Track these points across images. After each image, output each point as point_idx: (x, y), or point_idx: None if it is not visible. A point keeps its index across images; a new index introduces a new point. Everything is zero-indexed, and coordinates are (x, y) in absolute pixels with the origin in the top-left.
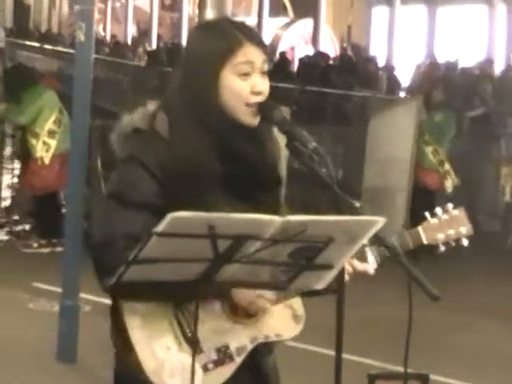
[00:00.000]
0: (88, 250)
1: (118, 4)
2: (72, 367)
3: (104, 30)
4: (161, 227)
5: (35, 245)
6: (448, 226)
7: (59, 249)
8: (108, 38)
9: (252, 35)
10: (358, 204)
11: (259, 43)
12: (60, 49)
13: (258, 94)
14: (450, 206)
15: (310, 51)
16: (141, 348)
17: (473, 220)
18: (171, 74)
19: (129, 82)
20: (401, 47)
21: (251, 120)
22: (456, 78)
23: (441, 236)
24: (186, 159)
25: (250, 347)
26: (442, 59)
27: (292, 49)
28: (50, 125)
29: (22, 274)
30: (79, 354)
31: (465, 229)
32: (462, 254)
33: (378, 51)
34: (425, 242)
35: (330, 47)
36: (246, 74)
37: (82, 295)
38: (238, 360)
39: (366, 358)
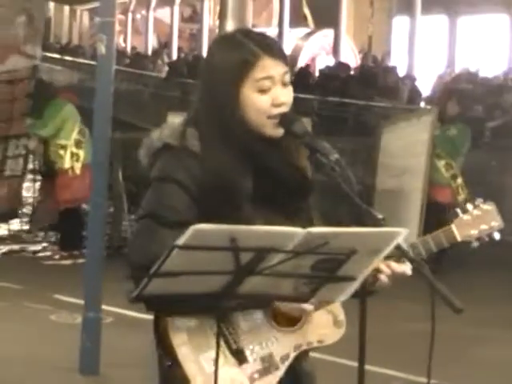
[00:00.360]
0: (130, 273)
1: (138, 16)
2: (95, 379)
3: (125, 41)
4: (182, 240)
5: (57, 257)
6: (480, 220)
7: (81, 261)
8: (128, 49)
9: (270, 47)
10: (380, 216)
11: (278, 55)
12: (81, 60)
13: (279, 105)
14: (480, 200)
15: (331, 62)
16: (188, 364)
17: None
18: (194, 87)
19: (149, 93)
20: (422, 57)
21: (275, 131)
22: (477, 88)
23: (474, 232)
24: (217, 175)
25: (293, 355)
26: (462, 69)
27: (313, 59)
28: (75, 135)
29: (43, 287)
30: (102, 366)
31: (495, 222)
32: (485, 265)
33: (398, 61)
34: (459, 239)
35: (351, 58)
36: (266, 89)
37: (104, 307)
38: (283, 368)
39: (388, 369)
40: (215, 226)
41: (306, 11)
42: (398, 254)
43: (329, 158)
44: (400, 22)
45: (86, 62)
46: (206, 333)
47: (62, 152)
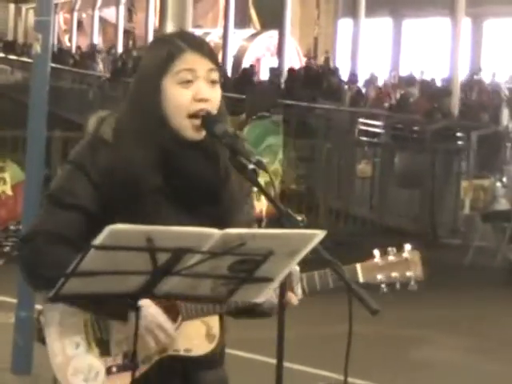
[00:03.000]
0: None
1: (83, 15)
2: (27, 379)
3: (70, 40)
4: (99, 240)
5: None
6: (393, 268)
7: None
8: (74, 49)
9: (195, 43)
10: (299, 217)
11: (204, 52)
12: (25, 59)
13: (201, 101)
14: (407, 247)
15: (275, 63)
16: (52, 342)
17: (433, 233)
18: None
19: (94, 92)
20: (366, 60)
21: (194, 134)
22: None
23: (381, 277)
24: (124, 165)
25: (156, 358)
26: (404, 72)
27: (258, 60)
28: None
29: None
30: (34, 366)
31: (412, 273)
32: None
33: (343, 64)
34: (361, 280)
35: (295, 59)
36: (187, 82)
37: (39, 307)
38: (143, 368)
39: (316, 368)
40: (131, 226)
41: (252, 12)
42: (315, 257)
43: (250, 159)
44: (345, 25)
45: (30, 60)
46: (78, 317)
47: None
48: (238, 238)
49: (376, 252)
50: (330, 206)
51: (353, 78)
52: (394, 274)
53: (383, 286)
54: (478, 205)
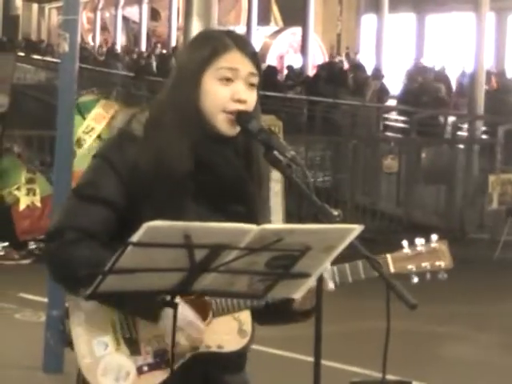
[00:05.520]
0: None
1: (107, 14)
2: (58, 377)
3: (93, 39)
4: (136, 237)
5: (16, 256)
6: (422, 258)
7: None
8: (96, 47)
9: (242, 44)
10: (335, 212)
11: (248, 53)
12: (48, 59)
13: (238, 101)
14: (433, 237)
15: (299, 60)
16: (79, 343)
17: (461, 229)
18: (162, 85)
19: (118, 91)
20: (390, 55)
21: (228, 129)
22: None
23: (411, 267)
24: (154, 156)
25: (188, 355)
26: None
27: (281, 57)
28: (24, 175)
29: (7, 286)
30: (65, 365)
31: (443, 263)
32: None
33: (367, 59)
34: (392, 270)
35: (319, 55)
36: (227, 80)
37: None
38: (174, 366)
39: (350, 365)
40: (169, 222)
41: (275, 9)
42: (352, 252)
43: (285, 154)
44: (368, 20)
45: (53, 60)
46: (104, 317)
47: (16, 192)
48: (276, 233)
49: (404, 243)
50: (356, 202)
51: (377, 73)
52: (424, 264)
53: (413, 276)
54: (505, 199)
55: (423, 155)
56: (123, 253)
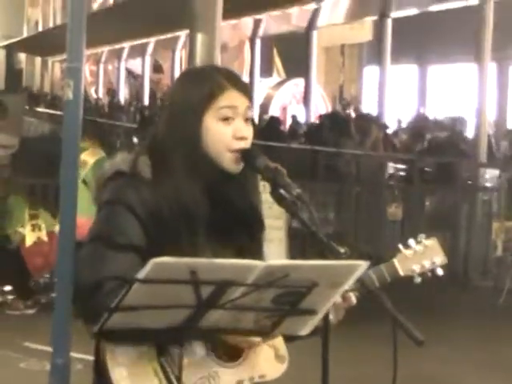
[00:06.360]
0: (75, 295)
1: (110, 67)
2: None
3: (96, 92)
4: (143, 273)
5: (22, 306)
6: (422, 256)
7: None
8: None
9: (236, 81)
10: (342, 250)
11: (243, 89)
12: (52, 111)
13: (240, 139)
14: (422, 236)
15: (302, 110)
16: None
17: (465, 276)
18: (156, 121)
19: (121, 142)
20: (392, 106)
21: (234, 167)
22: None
23: (416, 267)
24: (170, 199)
25: None
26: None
27: (284, 108)
28: (28, 212)
29: (12, 335)
30: None
31: (439, 258)
32: (454, 309)
33: (369, 110)
34: (401, 273)
35: (322, 106)
36: (228, 119)
37: (74, 354)
38: None
39: None
40: (175, 258)
41: (277, 61)
42: (358, 287)
43: (291, 192)
44: (370, 71)
45: (57, 112)
46: (145, 367)
47: (20, 230)
48: (282, 269)
49: (400, 246)
50: (359, 249)
51: (379, 122)
52: (425, 262)
53: (417, 276)
54: (510, 246)
55: (427, 203)
56: (130, 289)
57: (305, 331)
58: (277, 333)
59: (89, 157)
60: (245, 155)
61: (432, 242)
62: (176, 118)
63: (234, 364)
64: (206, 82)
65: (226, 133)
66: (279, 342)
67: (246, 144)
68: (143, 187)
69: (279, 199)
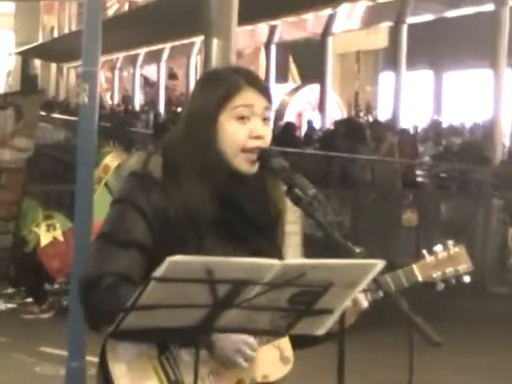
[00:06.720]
0: (78, 291)
1: (125, 73)
2: None
3: (112, 99)
4: (159, 272)
5: (37, 310)
6: (446, 263)
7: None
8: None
9: (253, 80)
10: (358, 250)
11: (260, 89)
12: (67, 117)
13: (256, 138)
14: (450, 242)
15: (317, 117)
16: None
17: (481, 282)
18: (173, 126)
19: (137, 148)
20: (407, 112)
21: (248, 167)
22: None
23: (437, 274)
24: (180, 201)
25: None
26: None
27: (299, 115)
28: (43, 213)
29: (27, 339)
30: None
31: (464, 266)
32: (469, 316)
33: (385, 117)
34: (420, 279)
35: (337, 112)
36: (244, 118)
37: (89, 358)
38: None
39: None
40: (191, 257)
41: (292, 67)
42: (375, 287)
43: (306, 192)
44: (386, 78)
45: (72, 118)
46: (145, 364)
47: (35, 229)
48: (298, 268)
49: (425, 252)
50: (374, 255)
51: (395, 128)
52: (449, 270)
53: (439, 282)
54: None
55: (442, 208)
56: (146, 288)
57: (320, 331)
58: (292, 333)
59: (112, 161)
60: (260, 155)
61: (459, 250)
62: (192, 119)
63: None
64: (223, 82)
65: (241, 132)
66: (285, 343)
67: (262, 143)
68: (152, 187)
69: (295, 200)
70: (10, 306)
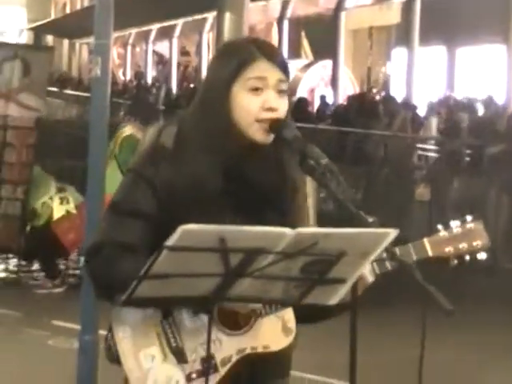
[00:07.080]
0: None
1: (137, 49)
2: None
3: (124, 75)
4: (172, 241)
5: (50, 285)
6: (460, 239)
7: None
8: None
9: (268, 52)
10: (371, 219)
11: (276, 61)
12: (79, 93)
13: (269, 110)
14: (468, 218)
15: (330, 92)
16: (127, 358)
17: (494, 259)
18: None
19: (150, 125)
20: (420, 88)
21: (263, 137)
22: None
23: (449, 249)
24: (188, 171)
25: (235, 358)
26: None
27: (312, 90)
28: (55, 185)
29: (40, 314)
30: None
31: (480, 242)
32: (482, 292)
33: (397, 93)
34: (430, 254)
35: (350, 88)
36: (257, 89)
37: (102, 331)
38: (223, 371)
39: None
40: (204, 226)
41: (305, 43)
42: (388, 257)
43: (319, 162)
44: (399, 54)
45: (85, 94)
46: (149, 329)
47: (49, 201)
48: (311, 237)
49: (440, 226)
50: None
51: (407, 103)
52: (462, 245)
53: (453, 258)
54: None
55: (454, 185)
56: (158, 257)
57: (333, 301)
58: (305, 302)
59: (124, 132)
60: (272, 126)
61: (475, 225)
62: (206, 90)
63: (237, 332)
64: (237, 54)
65: (254, 103)
66: (288, 313)
67: (276, 115)
68: (163, 159)
69: (308, 170)
70: (20, 279)
